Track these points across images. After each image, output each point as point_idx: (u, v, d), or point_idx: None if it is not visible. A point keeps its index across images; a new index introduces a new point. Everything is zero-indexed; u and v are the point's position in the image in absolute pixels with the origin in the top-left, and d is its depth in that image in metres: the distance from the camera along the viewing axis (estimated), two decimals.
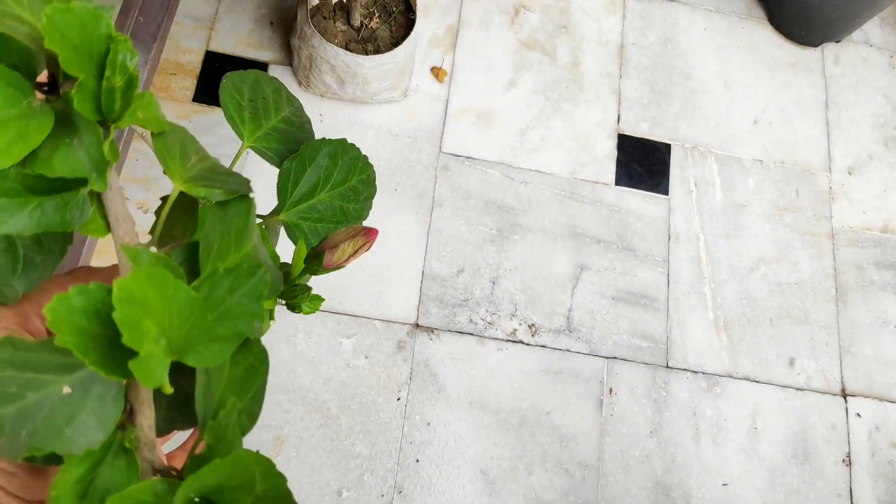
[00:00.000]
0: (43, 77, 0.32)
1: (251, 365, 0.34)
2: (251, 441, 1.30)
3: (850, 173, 1.72)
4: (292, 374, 1.37)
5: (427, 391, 1.40)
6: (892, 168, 1.75)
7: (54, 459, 0.30)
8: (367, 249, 0.48)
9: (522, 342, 1.47)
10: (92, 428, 0.29)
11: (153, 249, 0.32)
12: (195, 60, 1.54)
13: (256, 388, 0.35)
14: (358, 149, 0.50)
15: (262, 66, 1.56)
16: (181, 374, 0.33)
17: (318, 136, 0.50)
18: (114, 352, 0.27)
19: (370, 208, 0.51)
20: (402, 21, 1.48)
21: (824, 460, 1.48)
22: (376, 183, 0.52)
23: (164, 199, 0.36)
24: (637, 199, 1.61)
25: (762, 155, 1.70)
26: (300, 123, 0.49)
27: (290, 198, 0.47)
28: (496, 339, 1.46)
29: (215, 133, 1.50)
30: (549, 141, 1.63)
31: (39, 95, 0.31)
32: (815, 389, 1.53)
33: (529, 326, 1.48)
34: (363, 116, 1.55)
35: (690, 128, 1.70)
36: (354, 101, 1.54)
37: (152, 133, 0.35)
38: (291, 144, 0.48)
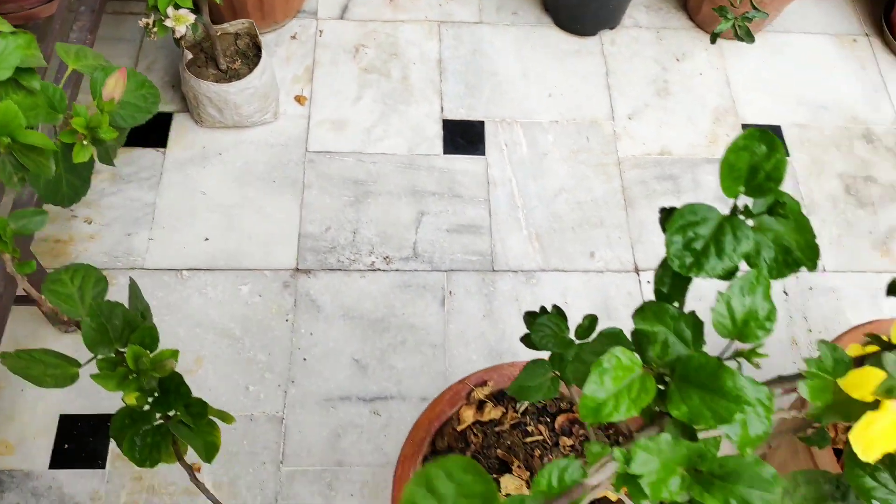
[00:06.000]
0: None
1: None
2: (179, 367, 1.77)
3: (630, 119, 2.23)
4: (206, 315, 1.85)
5: (309, 312, 1.88)
6: (664, 110, 2.26)
7: None
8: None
9: (380, 269, 1.95)
10: None
11: None
12: None
13: None
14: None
15: (169, 115, 2.13)
16: None
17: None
18: None
19: None
20: (256, 62, 2.06)
21: (619, 314, 1.91)
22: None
23: None
24: (461, 162, 2.13)
25: (558, 117, 2.22)
26: None
27: None
28: (359, 270, 1.95)
29: None
30: (389, 133, 2.16)
31: None
32: (612, 270, 1.98)
33: (384, 258, 1.97)
34: (245, 136, 2.11)
35: (499, 108, 2.23)
36: (237, 126, 2.09)
37: None
38: None
